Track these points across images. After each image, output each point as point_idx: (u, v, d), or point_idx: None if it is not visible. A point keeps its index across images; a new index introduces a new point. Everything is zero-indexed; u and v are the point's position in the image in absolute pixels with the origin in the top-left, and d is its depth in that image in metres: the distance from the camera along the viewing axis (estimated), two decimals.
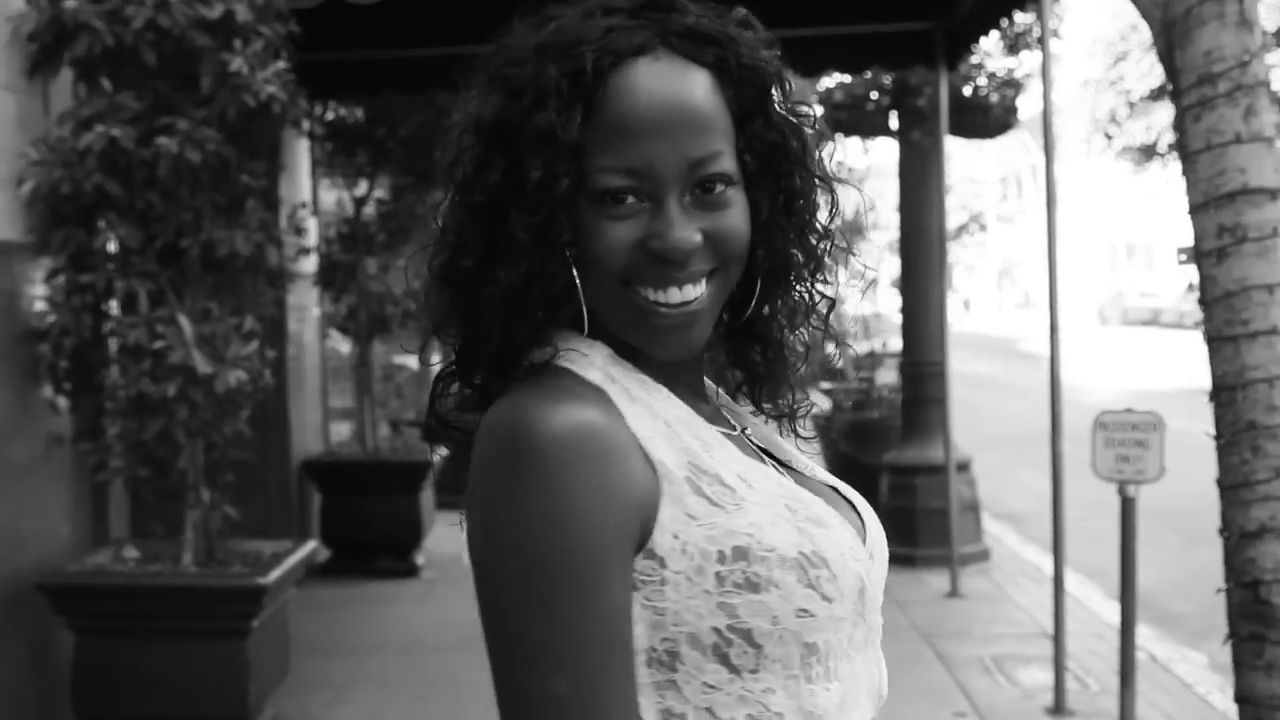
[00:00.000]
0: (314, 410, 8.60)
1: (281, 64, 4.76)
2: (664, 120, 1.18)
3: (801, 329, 1.37)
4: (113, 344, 4.84)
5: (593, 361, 1.23)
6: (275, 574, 4.73)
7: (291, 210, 6.40)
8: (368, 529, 7.92)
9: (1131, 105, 35.66)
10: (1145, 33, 32.94)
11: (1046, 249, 5.65)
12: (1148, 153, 35.69)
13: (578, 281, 1.21)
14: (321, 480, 8.20)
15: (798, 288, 1.33)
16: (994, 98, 8.20)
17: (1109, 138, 37.40)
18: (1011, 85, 8.30)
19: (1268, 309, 3.16)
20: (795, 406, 1.39)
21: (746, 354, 1.37)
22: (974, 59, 8.23)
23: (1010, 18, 6.69)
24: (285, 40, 4.86)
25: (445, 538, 9.14)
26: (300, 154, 8.18)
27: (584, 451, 1.11)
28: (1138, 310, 48.25)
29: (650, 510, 1.14)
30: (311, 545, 5.33)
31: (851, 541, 1.20)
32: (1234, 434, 3.19)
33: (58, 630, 4.78)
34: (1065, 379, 5.68)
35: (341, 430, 9.77)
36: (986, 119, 8.22)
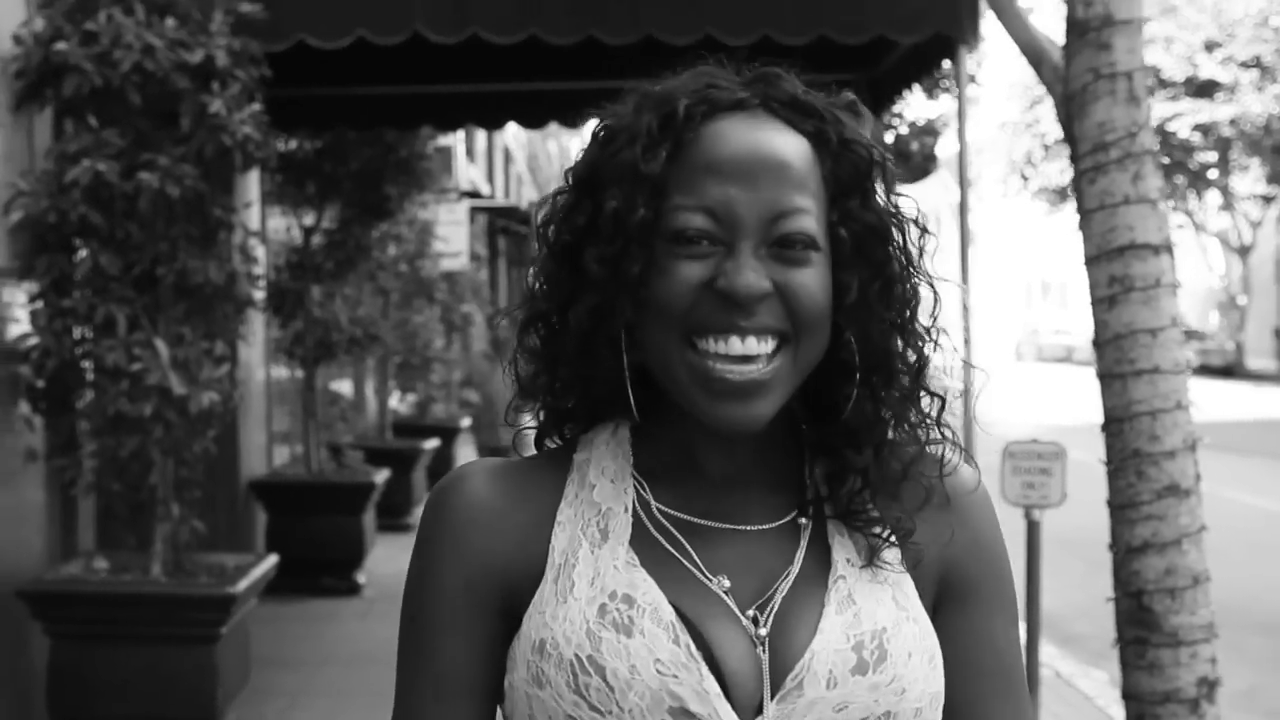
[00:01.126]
0: (259, 432, 8.86)
1: (256, 106, 5.10)
2: (749, 166, 1.16)
3: (916, 430, 1.25)
4: (87, 365, 5.12)
5: (595, 441, 1.26)
6: (243, 584, 5.04)
7: (243, 239, 6.71)
8: (312, 548, 8.17)
9: (1046, 148, 36.76)
10: None
11: (960, 285, 6.10)
12: (1062, 194, 36.80)
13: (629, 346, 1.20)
14: (267, 500, 8.46)
15: (903, 381, 1.23)
16: (914, 145, 8.68)
17: (1025, 179, 38.50)
18: (930, 133, 8.78)
19: (1151, 350, 3.60)
20: (896, 522, 1.23)
21: (848, 462, 1.23)
22: (895, 107, 8.70)
23: (935, 69, 7.15)
24: (259, 83, 5.20)
25: (385, 558, 9.44)
26: (251, 184, 8.48)
27: (450, 519, 1.21)
28: (1052, 347, 49.44)
29: (524, 586, 1.19)
30: (273, 559, 5.63)
31: (664, 654, 1.12)
32: (1121, 461, 3.63)
33: (34, 635, 5.05)
34: (981, 413, 6.12)
35: (283, 453, 10.02)
36: (907, 166, 8.70)
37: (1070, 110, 3.80)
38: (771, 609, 1.17)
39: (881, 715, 1.14)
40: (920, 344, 1.24)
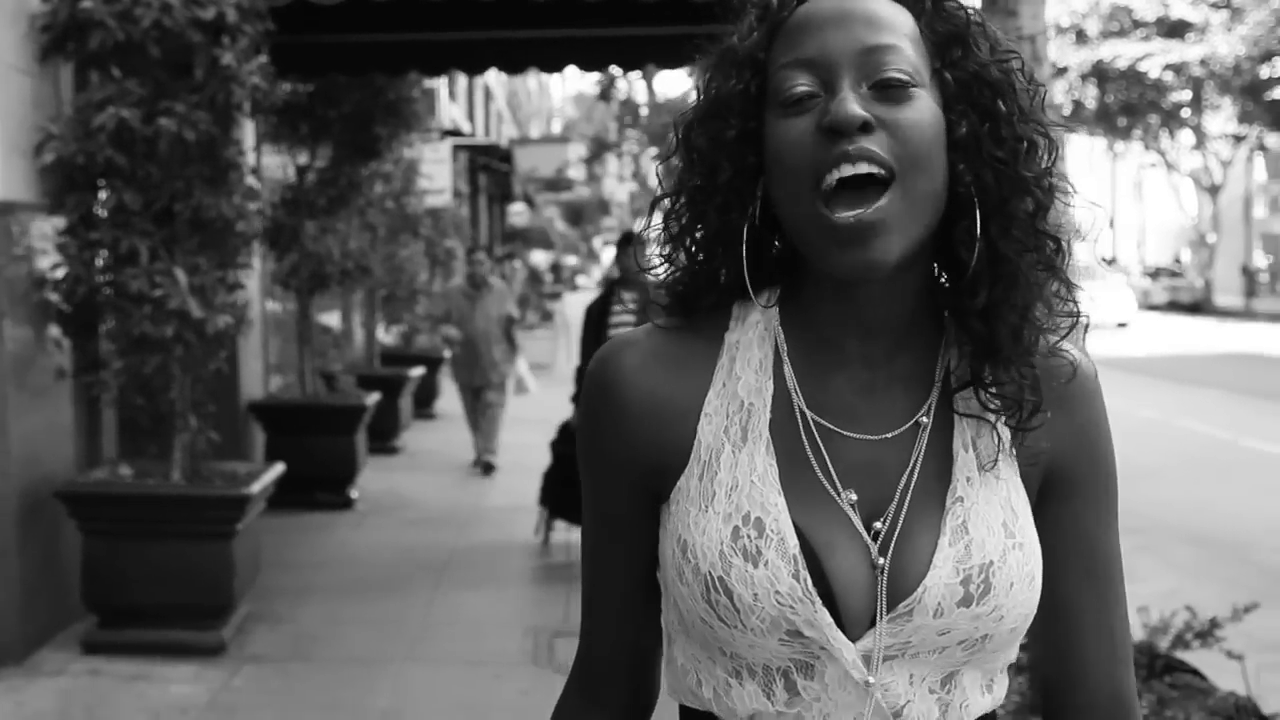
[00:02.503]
0: (257, 359, 9.42)
1: (263, 58, 5.64)
2: (840, 16, 1.20)
3: (1044, 285, 1.23)
4: (109, 293, 5.68)
5: (747, 321, 1.30)
6: (255, 487, 5.65)
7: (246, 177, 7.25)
8: (308, 465, 8.74)
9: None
10: None
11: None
12: None
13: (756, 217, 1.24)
14: (266, 420, 9.05)
15: (1022, 225, 1.21)
16: None
17: None
18: None
19: None
20: (1022, 395, 1.22)
21: (983, 322, 1.22)
22: None
23: None
24: (264, 37, 5.73)
25: (374, 477, 10.08)
26: (246, 125, 8.99)
27: (602, 401, 1.29)
28: None
29: (673, 468, 1.26)
30: (280, 467, 6.24)
31: (784, 586, 1.18)
32: None
33: (69, 532, 5.66)
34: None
35: (277, 380, 10.60)
36: None
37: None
38: (892, 529, 1.21)
39: (980, 638, 1.21)
40: (1036, 188, 1.21)
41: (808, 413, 1.25)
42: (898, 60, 1.18)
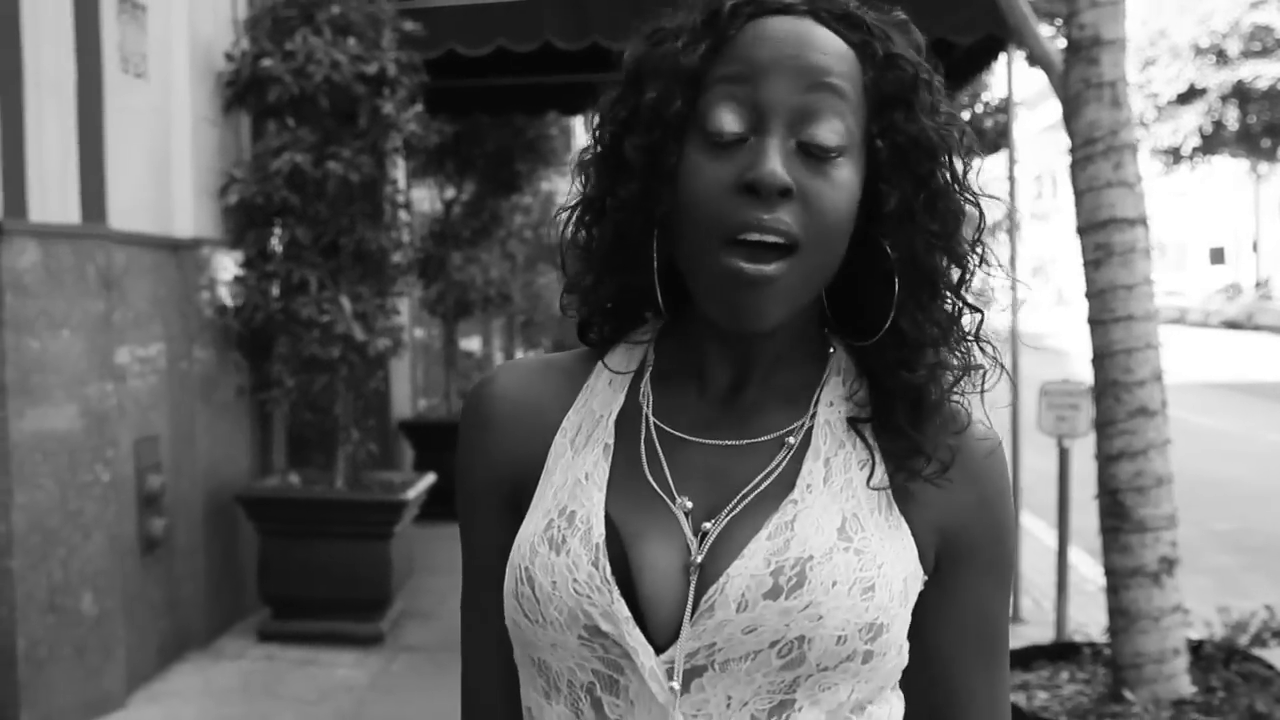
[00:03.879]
0: (406, 380, 10.11)
1: (419, 107, 6.27)
2: (785, 62, 1.14)
3: (955, 349, 1.22)
4: (282, 319, 6.35)
5: (628, 340, 1.29)
6: (411, 493, 6.26)
7: (401, 214, 7.92)
8: (451, 480, 9.35)
9: (1159, 109, 36.86)
10: (1174, 39, 33.57)
11: (1008, 205, 7.04)
12: (1175, 154, 36.86)
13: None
14: (414, 438, 9.72)
15: (947, 297, 1.21)
16: (988, 123, 9.54)
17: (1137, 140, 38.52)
18: (1003, 110, 9.64)
19: (1127, 302, 4.58)
20: (926, 449, 1.20)
21: (888, 377, 1.21)
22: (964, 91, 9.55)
23: (989, 64, 8.02)
24: (419, 88, 6.37)
25: None
26: (399, 164, 9.71)
27: (474, 418, 1.28)
28: (1165, 309, 49.29)
29: (525, 482, 1.23)
30: (431, 477, 6.84)
31: (582, 574, 1.14)
32: (1103, 388, 4.62)
33: (247, 533, 6.33)
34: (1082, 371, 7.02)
35: (421, 402, 11.28)
36: (981, 143, 9.56)
37: (1067, 111, 4.79)
38: (715, 530, 1.16)
39: (795, 639, 1.11)
40: (964, 260, 1.20)
41: (651, 418, 1.23)
42: (832, 122, 1.14)
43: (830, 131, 1.14)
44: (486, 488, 1.27)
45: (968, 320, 1.24)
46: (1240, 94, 35.64)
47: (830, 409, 1.24)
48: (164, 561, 5.84)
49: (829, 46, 1.16)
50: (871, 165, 1.18)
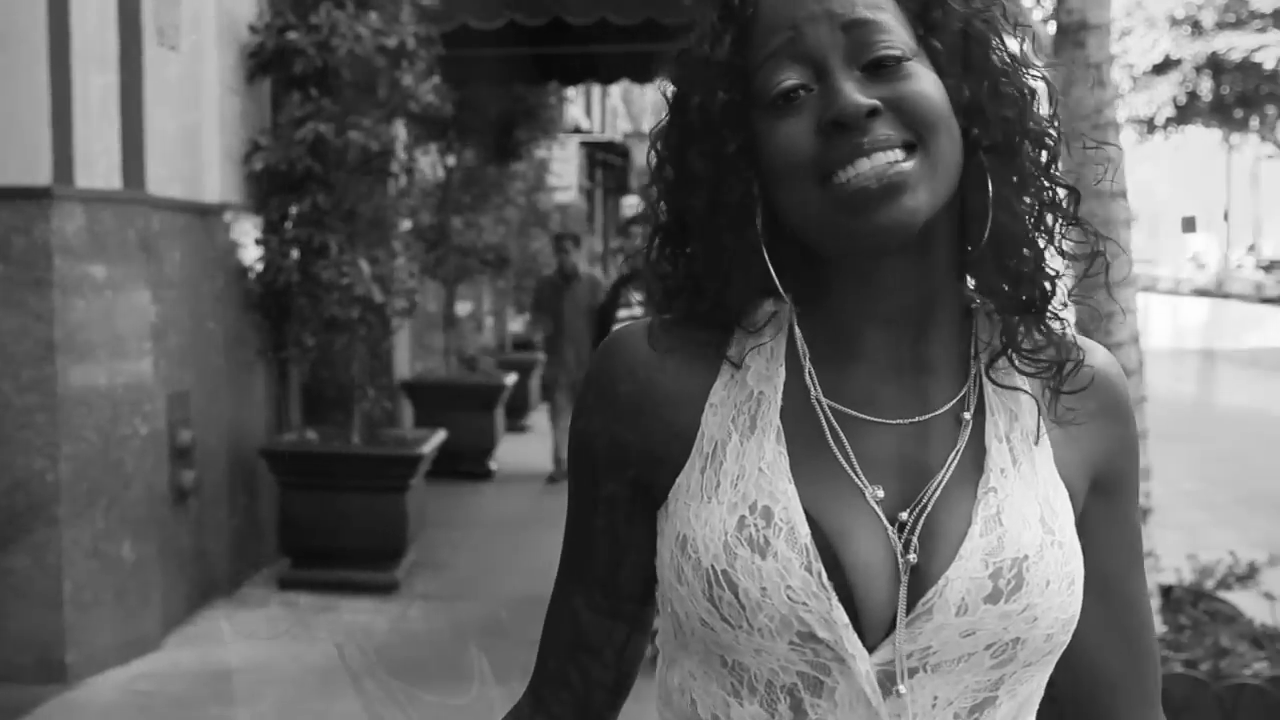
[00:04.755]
0: (405, 343, 10.41)
1: (436, 79, 6.56)
2: (813, 8, 1.11)
3: (1061, 236, 1.16)
4: (299, 281, 6.64)
5: (758, 314, 1.20)
6: (426, 448, 6.58)
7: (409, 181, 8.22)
8: (453, 438, 9.68)
9: (1135, 79, 37.24)
10: (1150, 9, 33.80)
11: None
12: (1150, 124, 37.28)
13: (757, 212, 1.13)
14: (415, 398, 10.02)
15: (1036, 178, 1.15)
16: None
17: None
18: None
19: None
20: (1057, 359, 1.16)
21: (996, 283, 1.15)
22: None
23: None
24: (436, 61, 6.65)
25: (508, 450, 11.02)
26: (400, 131, 9.98)
27: (604, 384, 1.20)
28: (1139, 277, 49.78)
29: (671, 463, 1.16)
30: (442, 433, 7.16)
31: (796, 580, 1.08)
32: None
33: (267, 485, 6.64)
34: None
35: (418, 364, 11.59)
36: None
37: (1057, 90, 5.11)
38: (919, 521, 1.12)
39: (1010, 641, 1.10)
40: (1043, 138, 1.16)
41: (824, 400, 1.16)
42: (885, 35, 1.11)
43: (889, 45, 1.11)
44: (609, 462, 1.20)
45: (1065, 203, 1.17)
46: (1214, 65, 36.05)
47: (992, 371, 1.18)
48: (193, 511, 6.14)
49: None
50: (934, 66, 1.14)
